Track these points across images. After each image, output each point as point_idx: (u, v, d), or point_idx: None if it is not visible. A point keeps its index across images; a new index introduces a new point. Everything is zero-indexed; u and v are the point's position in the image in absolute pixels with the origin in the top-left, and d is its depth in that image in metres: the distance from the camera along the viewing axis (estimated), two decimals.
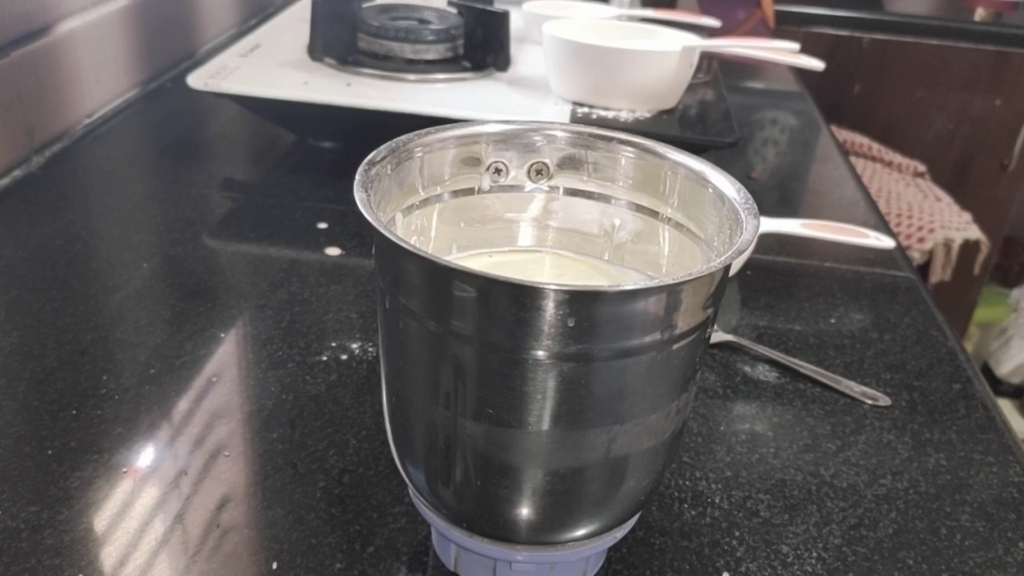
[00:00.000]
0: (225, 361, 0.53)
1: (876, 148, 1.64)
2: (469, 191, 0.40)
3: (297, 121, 0.82)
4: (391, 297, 0.32)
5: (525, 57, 0.88)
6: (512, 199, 0.41)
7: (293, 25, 0.90)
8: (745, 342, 0.58)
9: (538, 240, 0.43)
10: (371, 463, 0.46)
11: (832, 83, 1.46)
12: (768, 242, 0.71)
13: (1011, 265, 2.09)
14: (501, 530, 0.35)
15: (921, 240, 1.42)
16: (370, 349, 0.54)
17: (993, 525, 0.45)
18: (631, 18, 0.99)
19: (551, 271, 0.42)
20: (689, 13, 1.07)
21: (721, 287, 0.32)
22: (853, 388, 0.55)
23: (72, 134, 0.81)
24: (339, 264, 0.64)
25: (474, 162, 0.40)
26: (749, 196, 0.34)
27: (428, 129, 0.38)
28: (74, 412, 0.48)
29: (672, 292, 0.30)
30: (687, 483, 0.46)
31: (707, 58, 0.88)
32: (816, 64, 0.78)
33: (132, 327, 0.55)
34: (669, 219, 0.39)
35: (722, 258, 0.30)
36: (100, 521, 0.41)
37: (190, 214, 0.70)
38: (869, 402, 0.54)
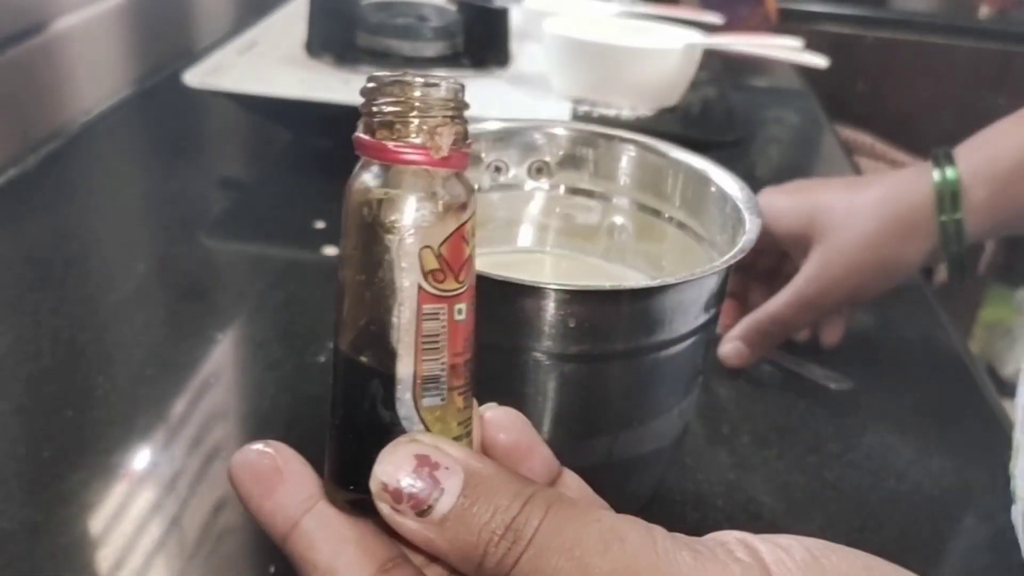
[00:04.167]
0: (222, 362, 0.52)
1: (880, 147, 1.63)
2: None
3: (294, 119, 0.81)
4: None
5: (525, 54, 0.88)
6: (512, 198, 0.41)
7: (291, 23, 0.90)
8: None
9: (538, 239, 0.42)
10: None
11: (836, 81, 1.45)
12: None
13: (1016, 264, 2.09)
14: None
15: None
16: None
17: (998, 528, 0.45)
18: (632, 14, 0.98)
19: (551, 271, 0.42)
20: (691, 9, 1.07)
21: (724, 288, 0.32)
22: (856, 389, 0.54)
23: (68, 132, 0.80)
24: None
25: (473, 160, 0.39)
26: (752, 195, 0.34)
27: None
28: (70, 414, 0.47)
29: (674, 292, 0.29)
30: (689, 485, 0.46)
31: (709, 55, 0.88)
32: (819, 61, 0.77)
33: (128, 327, 0.55)
34: (671, 218, 0.39)
35: (725, 258, 0.30)
36: (96, 524, 0.41)
37: (186, 213, 0.70)
38: (872, 403, 0.53)
